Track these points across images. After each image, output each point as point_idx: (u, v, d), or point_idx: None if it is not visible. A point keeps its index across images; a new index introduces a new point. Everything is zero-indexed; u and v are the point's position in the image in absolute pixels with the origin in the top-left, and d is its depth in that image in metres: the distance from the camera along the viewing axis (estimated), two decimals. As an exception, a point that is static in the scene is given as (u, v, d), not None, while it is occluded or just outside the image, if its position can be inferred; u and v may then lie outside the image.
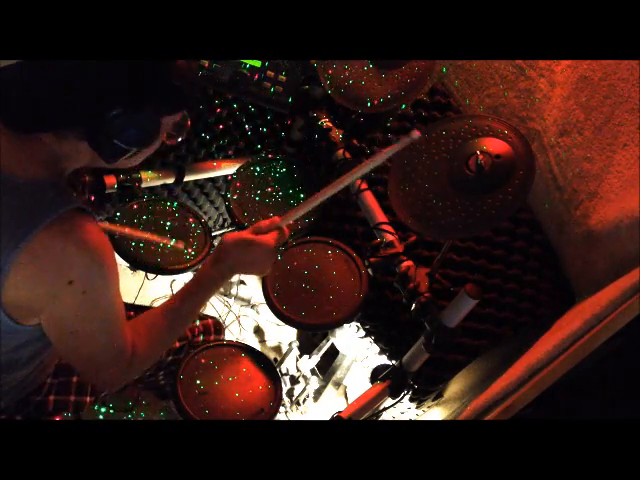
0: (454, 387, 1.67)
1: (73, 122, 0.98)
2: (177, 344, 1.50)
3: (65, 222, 0.96)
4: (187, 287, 1.20)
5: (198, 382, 1.43)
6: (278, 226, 1.21)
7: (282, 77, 1.71)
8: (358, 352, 2.09)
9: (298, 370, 2.17)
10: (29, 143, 0.99)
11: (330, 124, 1.74)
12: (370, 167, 1.16)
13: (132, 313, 1.50)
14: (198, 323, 1.58)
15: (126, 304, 1.59)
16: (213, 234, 1.74)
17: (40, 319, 1.03)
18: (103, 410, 1.39)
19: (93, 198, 1.65)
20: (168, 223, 1.67)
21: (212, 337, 1.59)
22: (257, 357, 1.53)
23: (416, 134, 1.12)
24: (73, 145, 1.01)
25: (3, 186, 0.95)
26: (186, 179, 1.82)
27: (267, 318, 2.45)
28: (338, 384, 2.25)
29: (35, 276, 0.97)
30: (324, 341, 2.13)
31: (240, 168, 1.77)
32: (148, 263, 1.56)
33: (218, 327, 1.64)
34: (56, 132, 0.99)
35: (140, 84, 0.98)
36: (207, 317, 1.64)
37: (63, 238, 0.96)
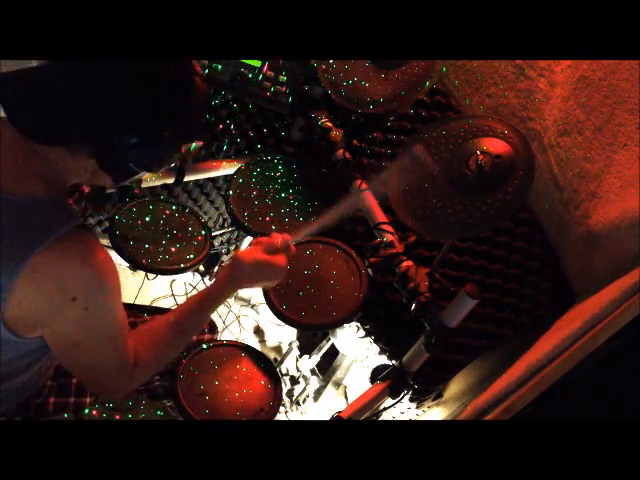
0: (454, 387, 1.67)
1: (89, 139, 0.99)
2: None
3: (66, 240, 0.97)
4: (196, 300, 1.21)
5: (198, 382, 1.43)
6: (289, 244, 1.24)
7: (282, 77, 1.71)
8: (358, 352, 2.09)
9: (298, 370, 2.17)
10: (32, 160, 0.99)
11: (330, 124, 1.74)
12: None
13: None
14: None
15: (126, 304, 1.59)
16: (213, 234, 1.74)
17: (42, 333, 1.04)
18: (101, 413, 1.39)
19: (93, 199, 1.64)
20: (168, 223, 1.67)
21: (206, 337, 1.59)
22: (257, 357, 1.53)
23: (418, 150, 1.14)
24: (82, 161, 1.02)
25: (3, 205, 0.96)
26: (186, 179, 1.82)
27: (267, 318, 2.45)
28: (338, 384, 2.25)
29: (38, 294, 0.98)
30: (324, 341, 2.13)
31: (240, 168, 1.77)
32: (148, 263, 1.56)
33: (212, 326, 1.64)
34: (70, 146, 0.99)
35: (164, 114, 1.00)
36: None
37: (65, 256, 0.97)
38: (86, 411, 1.36)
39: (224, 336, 2.30)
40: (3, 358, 1.07)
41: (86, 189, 1.55)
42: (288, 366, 2.18)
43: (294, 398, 2.13)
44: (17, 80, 0.97)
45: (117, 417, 1.41)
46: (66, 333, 1.04)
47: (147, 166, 1.04)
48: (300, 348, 2.20)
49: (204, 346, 1.50)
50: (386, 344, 1.71)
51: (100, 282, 1.00)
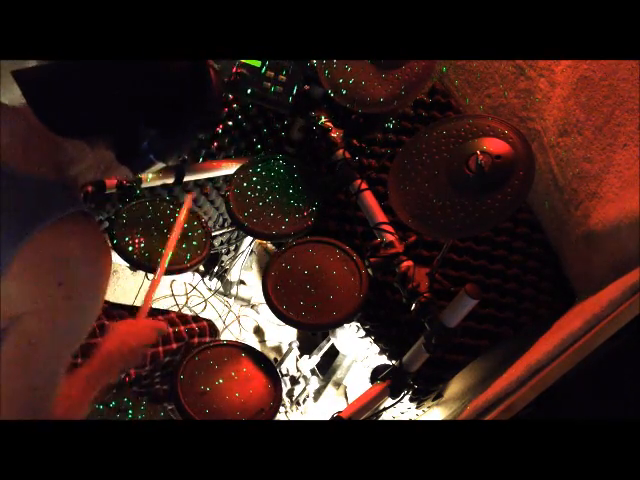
0: (454, 387, 1.67)
1: (111, 131, 0.99)
2: (174, 345, 1.50)
3: (69, 223, 0.96)
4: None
5: (198, 382, 1.43)
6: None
7: (282, 77, 1.71)
8: (358, 352, 2.09)
9: (298, 370, 2.17)
10: (50, 148, 0.99)
11: (330, 124, 1.74)
12: None
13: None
14: (194, 325, 1.58)
15: (126, 305, 1.59)
16: (213, 234, 1.74)
17: (6, 323, 0.95)
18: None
19: (94, 198, 1.64)
20: (168, 223, 1.66)
21: (207, 339, 1.59)
22: (257, 357, 1.53)
23: None
24: (100, 154, 1.02)
25: (11, 181, 0.95)
26: (186, 179, 1.83)
27: (267, 318, 2.45)
28: (338, 384, 2.25)
29: (30, 273, 0.95)
30: (324, 341, 2.13)
31: (240, 168, 1.77)
32: (148, 263, 1.56)
33: (213, 329, 1.64)
34: (90, 138, 1.00)
35: (182, 104, 1.01)
36: (202, 320, 1.65)
37: (65, 238, 0.96)
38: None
39: (224, 336, 2.30)
40: None
41: (89, 189, 1.55)
42: (288, 366, 2.18)
43: (294, 398, 2.13)
44: (40, 74, 0.98)
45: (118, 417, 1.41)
46: (33, 324, 0.95)
47: (164, 156, 1.05)
48: (300, 348, 2.20)
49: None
50: (386, 344, 1.71)
51: (92, 275, 0.97)
